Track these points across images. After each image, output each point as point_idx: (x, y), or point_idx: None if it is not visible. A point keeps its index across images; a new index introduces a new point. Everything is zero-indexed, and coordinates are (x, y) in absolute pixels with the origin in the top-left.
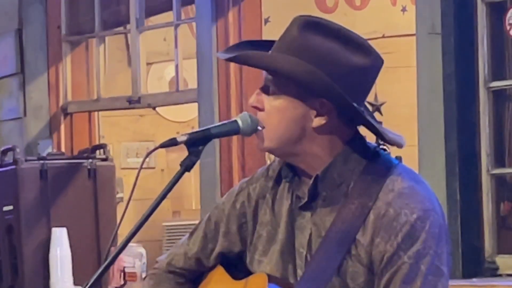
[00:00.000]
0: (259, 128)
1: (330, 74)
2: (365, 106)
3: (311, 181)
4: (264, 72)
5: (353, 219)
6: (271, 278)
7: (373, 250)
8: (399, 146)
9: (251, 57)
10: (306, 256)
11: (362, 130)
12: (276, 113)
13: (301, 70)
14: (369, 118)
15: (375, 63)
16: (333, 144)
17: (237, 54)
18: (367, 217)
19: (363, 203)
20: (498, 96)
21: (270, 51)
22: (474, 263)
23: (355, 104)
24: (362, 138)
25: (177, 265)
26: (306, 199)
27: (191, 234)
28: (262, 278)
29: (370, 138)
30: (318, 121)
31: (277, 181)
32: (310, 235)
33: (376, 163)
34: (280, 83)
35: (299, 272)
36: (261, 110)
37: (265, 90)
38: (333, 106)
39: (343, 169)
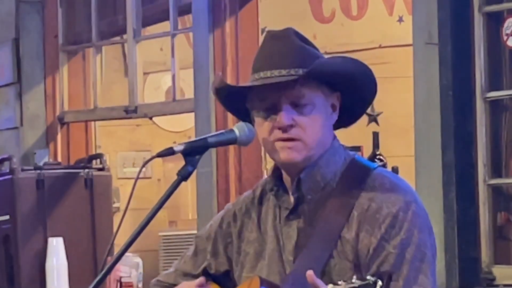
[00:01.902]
0: (289, 145)
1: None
2: None
3: (294, 185)
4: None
5: (336, 217)
6: (263, 282)
7: (358, 244)
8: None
9: (324, 65)
10: (294, 262)
11: (360, 140)
12: (314, 122)
13: (362, 67)
14: None
15: None
16: (329, 145)
17: (316, 66)
18: (350, 214)
19: (345, 201)
20: (495, 106)
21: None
22: (471, 274)
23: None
24: (339, 143)
25: (166, 281)
26: (292, 205)
27: (182, 256)
28: (256, 280)
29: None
30: (334, 117)
31: (261, 201)
32: (297, 241)
33: (356, 165)
34: (315, 89)
35: None
36: (294, 126)
37: (294, 104)
38: (341, 100)
39: (325, 172)
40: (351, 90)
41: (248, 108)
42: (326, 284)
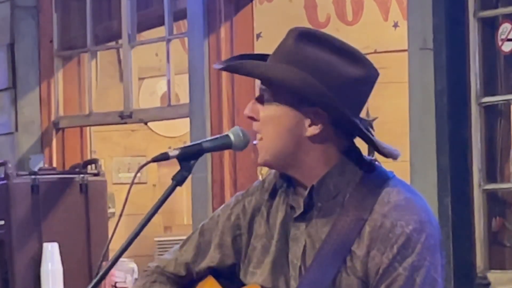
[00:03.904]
0: (255, 142)
1: (324, 83)
2: (361, 119)
3: (306, 192)
4: (259, 82)
5: (348, 231)
6: None
7: (369, 262)
8: (394, 157)
9: (244, 66)
10: (300, 268)
11: (358, 142)
12: (270, 121)
13: (294, 77)
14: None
15: (369, 75)
16: (327, 155)
17: (231, 63)
18: (362, 229)
19: (358, 215)
20: (490, 111)
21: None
22: (465, 279)
23: (348, 114)
24: (357, 150)
25: (165, 269)
26: (301, 210)
27: (183, 243)
28: None
29: (363, 150)
30: (312, 130)
31: (272, 193)
32: (305, 246)
33: (371, 175)
34: (275, 91)
35: (293, 284)
36: (256, 120)
37: (259, 99)
38: (327, 115)
39: (338, 180)
40: (318, 105)
41: None
42: None
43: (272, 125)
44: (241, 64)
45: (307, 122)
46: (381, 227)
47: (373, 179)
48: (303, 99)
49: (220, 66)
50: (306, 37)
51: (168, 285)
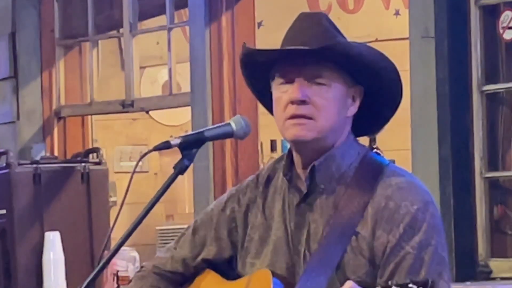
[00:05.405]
0: (304, 121)
1: None
2: None
3: (307, 171)
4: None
5: (351, 213)
6: (273, 274)
7: (375, 241)
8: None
9: (340, 47)
10: (304, 253)
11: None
12: (329, 104)
13: (374, 52)
14: None
15: None
16: (346, 136)
17: (336, 43)
18: (365, 211)
19: (360, 197)
20: (491, 99)
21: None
22: (467, 267)
23: None
24: (354, 137)
25: (162, 267)
26: (304, 192)
27: (178, 240)
28: (265, 273)
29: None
30: (352, 110)
31: (267, 186)
32: (308, 231)
33: (369, 160)
34: (334, 73)
35: (297, 270)
36: (308, 103)
37: (310, 81)
38: (363, 94)
39: (341, 163)
40: (374, 85)
41: (271, 86)
42: (341, 280)
43: (330, 107)
44: (338, 45)
45: (349, 101)
46: (385, 208)
47: (372, 164)
48: (356, 78)
49: (307, 48)
50: (328, 20)
51: (165, 285)
